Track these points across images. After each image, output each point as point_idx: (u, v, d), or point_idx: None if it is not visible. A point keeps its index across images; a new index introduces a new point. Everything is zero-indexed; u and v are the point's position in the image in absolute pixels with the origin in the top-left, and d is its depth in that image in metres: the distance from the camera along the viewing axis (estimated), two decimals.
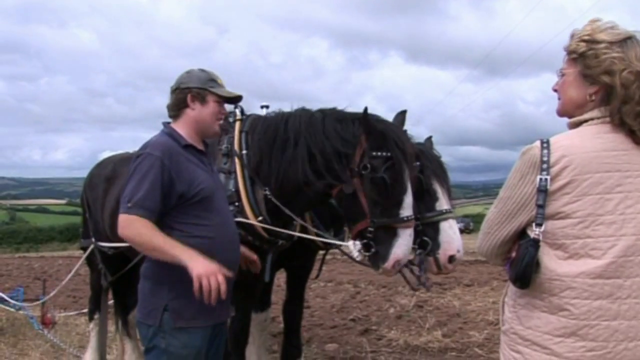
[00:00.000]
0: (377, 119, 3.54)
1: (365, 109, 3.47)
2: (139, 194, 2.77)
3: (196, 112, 3.04)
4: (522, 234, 2.11)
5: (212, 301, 2.68)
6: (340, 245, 4.08)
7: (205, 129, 3.09)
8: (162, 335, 2.84)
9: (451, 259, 3.86)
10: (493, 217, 2.15)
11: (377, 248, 3.36)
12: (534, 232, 2.02)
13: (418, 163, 3.89)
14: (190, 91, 3.03)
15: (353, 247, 3.47)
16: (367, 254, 3.42)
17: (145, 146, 2.94)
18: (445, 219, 3.93)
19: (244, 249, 3.25)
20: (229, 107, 3.39)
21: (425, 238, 3.88)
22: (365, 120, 3.47)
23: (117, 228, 2.82)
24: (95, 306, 5.45)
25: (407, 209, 3.38)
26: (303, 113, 3.75)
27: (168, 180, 2.82)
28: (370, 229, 3.36)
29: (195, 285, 2.64)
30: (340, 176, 3.46)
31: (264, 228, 3.69)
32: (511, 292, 2.21)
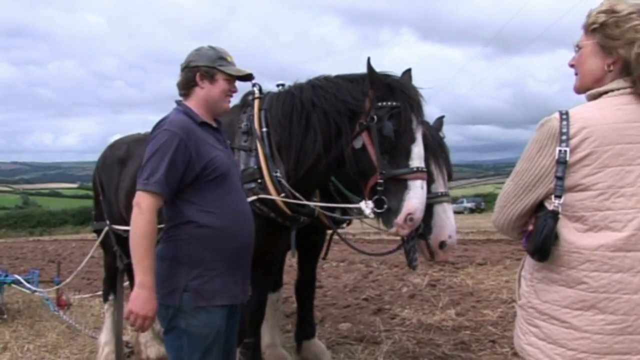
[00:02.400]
0: (384, 73, 3.50)
1: (368, 59, 3.40)
2: (158, 170, 2.74)
3: (205, 90, 3.01)
4: (539, 206, 2.08)
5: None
6: (353, 208, 3.78)
7: (215, 107, 3.07)
8: (182, 315, 2.82)
9: (442, 244, 3.80)
10: (510, 190, 2.13)
11: (388, 203, 3.28)
12: (553, 203, 2.00)
13: None
14: (199, 70, 2.99)
15: (365, 206, 3.37)
16: (379, 210, 3.31)
17: (162, 123, 2.89)
18: (440, 202, 3.87)
19: None
20: (246, 85, 3.35)
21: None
22: (371, 72, 3.43)
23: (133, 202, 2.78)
24: (110, 288, 5.49)
25: (416, 160, 3.29)
26: (316, 81, 3.73)
27: (187, 158, 2.80)
28: (380, 180, 3.29)
29: (125, 316, 2.76)
30: (351, 133, 3.45)
31: (286, 205, 3.67)
32: (528, 265, 2.19)
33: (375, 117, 3.34)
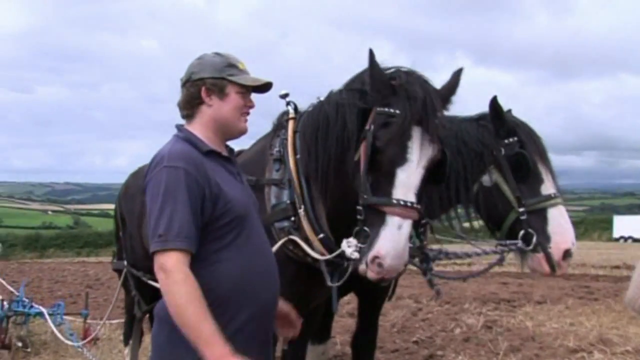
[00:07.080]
0: (396, 69, 2.83)
1: (370, 50, 2.75)
2: (173, 221, 2.10)
3: (214, 108, 2.35)
4: None
5: None
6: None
7: (227, 128, 2.40)
8: None
9: (566, 253, 3.21)
10: None
11: (366, 238, 2.59)
12: None
13: (515, 138, 3.31)
14: (204, 83, 2.33)
15: (346, 245, 2.70)
16: (363, 245, 2.62)
17: (159, 158, 2.25)
18: (554, 205, 3.27)
19: (283, 305, 2.53)
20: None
21: (530, 230, 3.23)
22: (371, 66, 2.77)
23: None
24: (131, 330, 5.07)
25: (400, 189, 2.57)
26: (338, 94, 3.08)
27: (201, 195, 2.17)
28: (359, 207, 2.62)
29: None
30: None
31: (327, 247, 3.01)
32: None
33: (372, 125, 2.69)
